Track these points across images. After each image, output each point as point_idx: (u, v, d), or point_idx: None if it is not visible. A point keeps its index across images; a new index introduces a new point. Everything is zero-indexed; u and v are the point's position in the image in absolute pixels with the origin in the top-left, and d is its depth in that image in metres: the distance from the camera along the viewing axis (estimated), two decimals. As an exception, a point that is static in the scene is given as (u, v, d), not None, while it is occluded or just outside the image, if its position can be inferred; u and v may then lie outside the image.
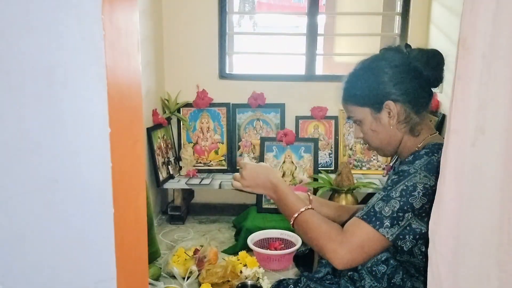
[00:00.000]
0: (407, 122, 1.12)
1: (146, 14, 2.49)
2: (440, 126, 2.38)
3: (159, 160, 2.59)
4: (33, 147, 0.53)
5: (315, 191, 2.44)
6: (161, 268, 2.02)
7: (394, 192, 1.02)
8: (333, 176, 2.45)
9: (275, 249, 2.09)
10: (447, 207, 0.58)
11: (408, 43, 1.22)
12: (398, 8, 2.79)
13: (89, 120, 0.53)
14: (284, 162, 2.60)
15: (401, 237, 1.01)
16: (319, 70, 3.01)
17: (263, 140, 2.65)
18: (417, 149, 1.12)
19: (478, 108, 0.53)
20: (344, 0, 4.52)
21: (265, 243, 2.17)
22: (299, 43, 3.00)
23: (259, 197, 2.54)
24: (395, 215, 1.00)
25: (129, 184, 0.61)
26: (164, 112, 2.79)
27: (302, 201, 1.13)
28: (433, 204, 0.60)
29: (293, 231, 2.08)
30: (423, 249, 1.06)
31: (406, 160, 1.09)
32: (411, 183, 1.02)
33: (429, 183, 1.01)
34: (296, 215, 1.10)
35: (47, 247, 0.55)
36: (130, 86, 0.60)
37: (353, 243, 1.00)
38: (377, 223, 1.00)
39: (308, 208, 1.10)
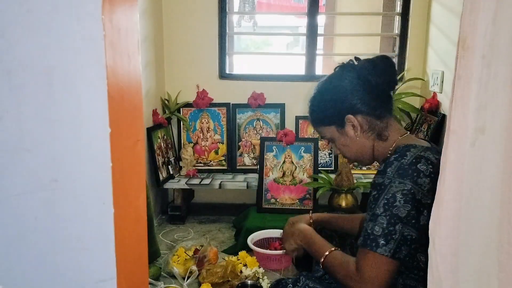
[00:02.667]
0: (372, 129, 1.18)
1: (146, 14, 2.49)
2: (440, 126, 2.38)
3: (159, 160, 2.59)
4: (33, 147, 0.53)
5: (315, 191, 2.44)
6: (161, 268, 2.02)
7: (378, 209, 1.04)
8: (333, 176, 2.45)
9: (275, 249, 2.09)
10: (447, 207, 0.58)
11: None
12: (398, 8, 2.79)
13: (89, 120, 0.53)
14: (284, 162, 2.60)
15: (397, 250, 1.02)
16: (319, 70, 3.00)
17: (263, 140, 2.65)
18: (388, 154, 1.17)
19: (478, 108, 0.53)
20: (344, 0, 4.52)
21: (265, 243, 2.17)
22: (299, 43, 3.00)
23: (259, 197, 2.54)
24: (386, 231, 1.01)
25: (129, 184, 0.61)
26: (164, 112, 2.79)
27: (326, 244, 1.24)
28: (433, 204, 0.60)
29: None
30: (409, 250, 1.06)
31: (380, 170, 1.10)
32: (390, 195, 1.03)
33: (405, 188, 1.02)
34: (322, 259, 1.20)
35: (47, 247, 0.55)
36: (130, 86, 0.60)
37: (367, 277, 1.02)
38: (373, 244, 1.02)
39: (332, 250, 1.19)
